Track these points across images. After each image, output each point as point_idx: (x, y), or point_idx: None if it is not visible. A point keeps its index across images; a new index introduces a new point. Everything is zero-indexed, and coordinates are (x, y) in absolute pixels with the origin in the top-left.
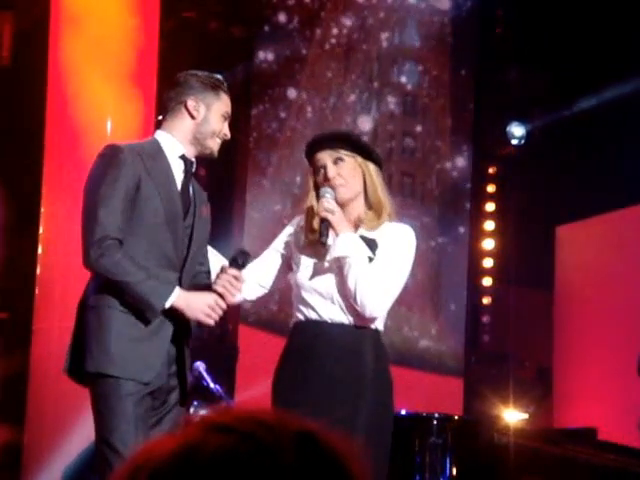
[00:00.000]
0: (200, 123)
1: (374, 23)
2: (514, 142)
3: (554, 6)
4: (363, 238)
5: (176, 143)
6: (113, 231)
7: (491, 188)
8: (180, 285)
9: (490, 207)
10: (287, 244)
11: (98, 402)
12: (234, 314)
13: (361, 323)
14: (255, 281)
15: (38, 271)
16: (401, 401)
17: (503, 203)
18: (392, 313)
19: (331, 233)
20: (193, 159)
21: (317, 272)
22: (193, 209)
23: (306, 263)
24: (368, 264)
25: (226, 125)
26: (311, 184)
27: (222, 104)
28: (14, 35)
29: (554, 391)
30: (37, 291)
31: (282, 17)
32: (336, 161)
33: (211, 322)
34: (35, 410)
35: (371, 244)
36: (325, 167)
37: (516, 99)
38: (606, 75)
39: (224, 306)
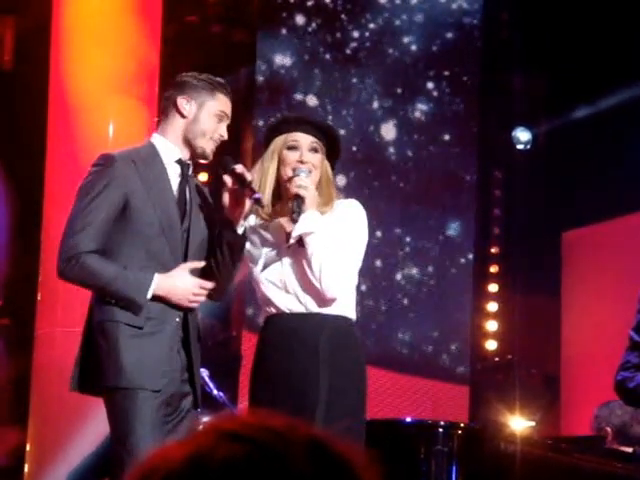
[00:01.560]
0: (190, 122)
1: (398, 25)
2: (520, 147)
3: (560, 11)
4: None
5: (171, 146)
6: (86, 245)
7: (497, 193)
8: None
9: (496, 212)
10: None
11: (115, 411)
12: (238, 320)
13: (319, 309)
14: None
15: (40, 277)
16: (407, 408)
17: (509, 208)
18: (398, 319)
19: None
20: (189, 162)
21: (270, 261)
22: (189, 212)
23: (260, 254)
24: (330, 245)
25: (222, 126)
26: (275, 155)
27: (217, 103)
28: (16, 39)
29: (561, 398)
30: (39, 297)
31: (300, 19)
32: (312, 149)
33: (195, 306)
34: (38, 415)
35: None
36: (300, 148)
37: (522, 104)
38: (613, 80)
39: (209, 286)
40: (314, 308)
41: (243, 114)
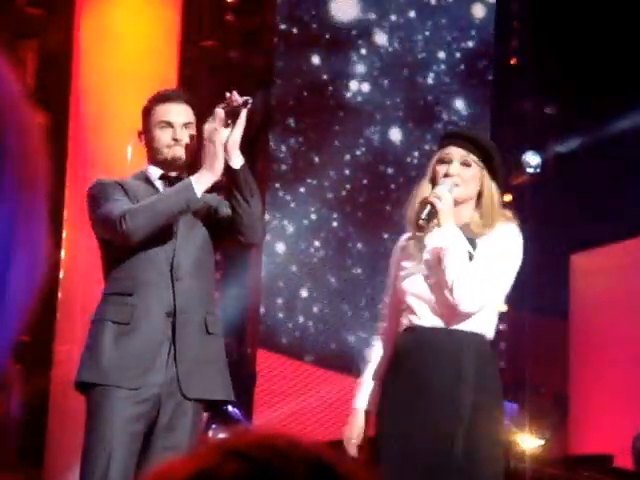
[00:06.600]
0: (148, 148)
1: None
2: (529, 171)
3: (570, 37)
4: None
5: (154, 168)
6: (125, 205)
7: None
8: (175, 299)
9: None
10: (393, 267)
11: (88, 407)
12: (253, 338)
13: (459, 326)
14: None
15: (59, 295)
16: None
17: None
18: None
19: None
20: (179, 175)
21: (412, 273)
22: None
23: (407, 266)
24: (467, 259)
25: (168, 132)
26: (429, 174)
27: (153, 117)
28: (38, 63)
29: (570, 417)
30: (58, 315)
31: (380, 38)
32: (464, 163)
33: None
34: (57, 432)
35: (471, 243)
36: (451, 162)
37: (531, 128)
38: (623, 105)
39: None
40: (454, 324)
41: (259, 137)
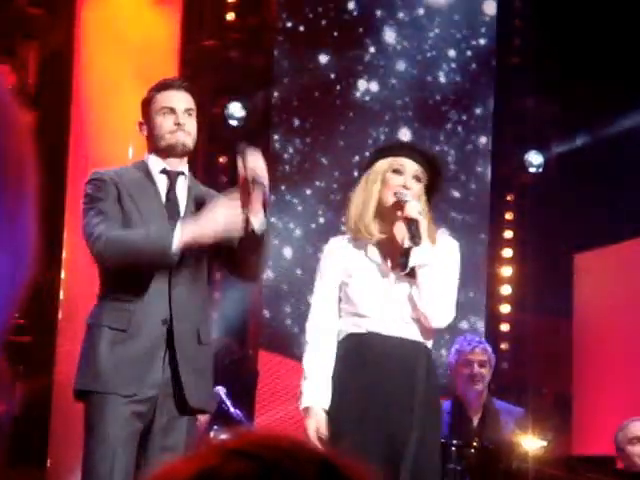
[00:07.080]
0: (149, 137)
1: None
2: (532, 170)
3: (571, 35)
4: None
5: (155, 160)
6: (108, 228)
7: (509, 216)
8: (171, 307)
9: (508, 235)
10: (336, 270)
11: (86, 413)
12: (254, 339)
13: (419, 337)
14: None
15: (61, 295)
16: None
17: (521, 231)
18: None
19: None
20: (180, 169)
21: (375, 282)
22: (180, 217)
23: (361, 274)
24: (443, 276)
25: (170, 118)
26: (379, 177)
27: (154, 105)
28: (39, 63)
29: (573, 418)
30: (60, 315)
31: (389, 36)
32: (415, 177)
33: (238, 229)
34: (59, 433)
35: None
36: (403, 174)
37: (534, 127)
38: (625, 103)
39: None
40: (412, 335)
41: (259, 137)
